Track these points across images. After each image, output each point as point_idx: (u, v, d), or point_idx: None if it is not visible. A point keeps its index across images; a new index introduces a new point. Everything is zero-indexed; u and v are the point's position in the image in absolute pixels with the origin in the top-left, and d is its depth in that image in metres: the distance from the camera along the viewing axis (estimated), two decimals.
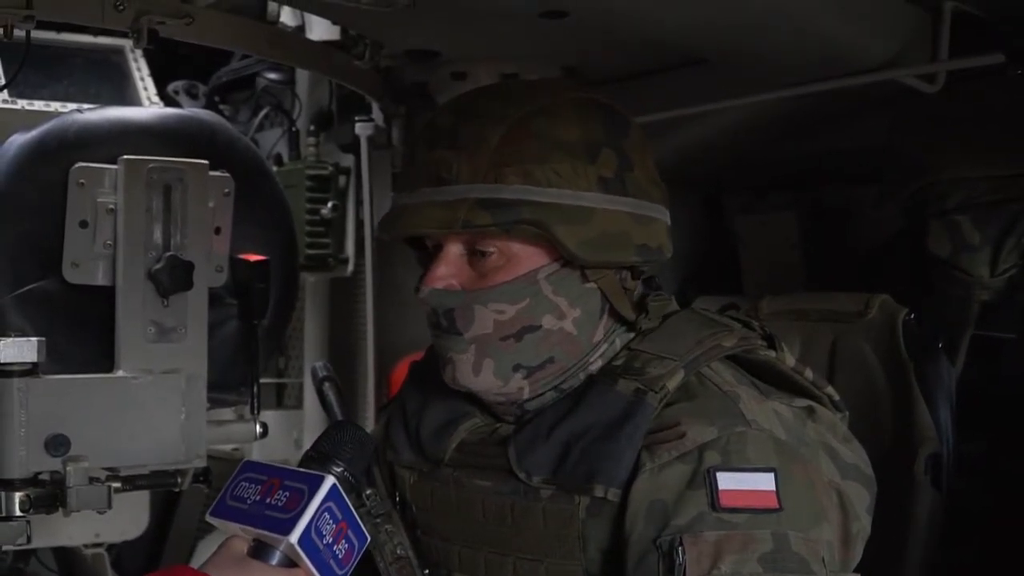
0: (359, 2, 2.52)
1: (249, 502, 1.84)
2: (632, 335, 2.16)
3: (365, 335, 4.36)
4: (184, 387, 2.30)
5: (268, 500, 1.83)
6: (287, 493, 1.82)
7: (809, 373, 2.22)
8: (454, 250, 2.09)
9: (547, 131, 2.03)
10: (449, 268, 2.09)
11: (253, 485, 1.86)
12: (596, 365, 2.13)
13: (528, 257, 2.06)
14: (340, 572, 1.83)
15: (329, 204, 4.33)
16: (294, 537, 1.77)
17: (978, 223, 2.95)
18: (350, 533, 1.85)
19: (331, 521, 1.81)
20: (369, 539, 1.90)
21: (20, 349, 2.13)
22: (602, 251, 2.04)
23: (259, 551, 1.82)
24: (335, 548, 1.82)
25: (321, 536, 1.80)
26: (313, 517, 1.79)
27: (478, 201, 2.00)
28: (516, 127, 2.02)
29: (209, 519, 1.89)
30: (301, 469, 1.89)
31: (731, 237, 4.19)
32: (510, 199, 1.99)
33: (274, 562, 1.81)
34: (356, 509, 1.87)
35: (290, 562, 1.81)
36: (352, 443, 1.97)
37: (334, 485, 1.82)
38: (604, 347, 2.14)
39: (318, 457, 1.94)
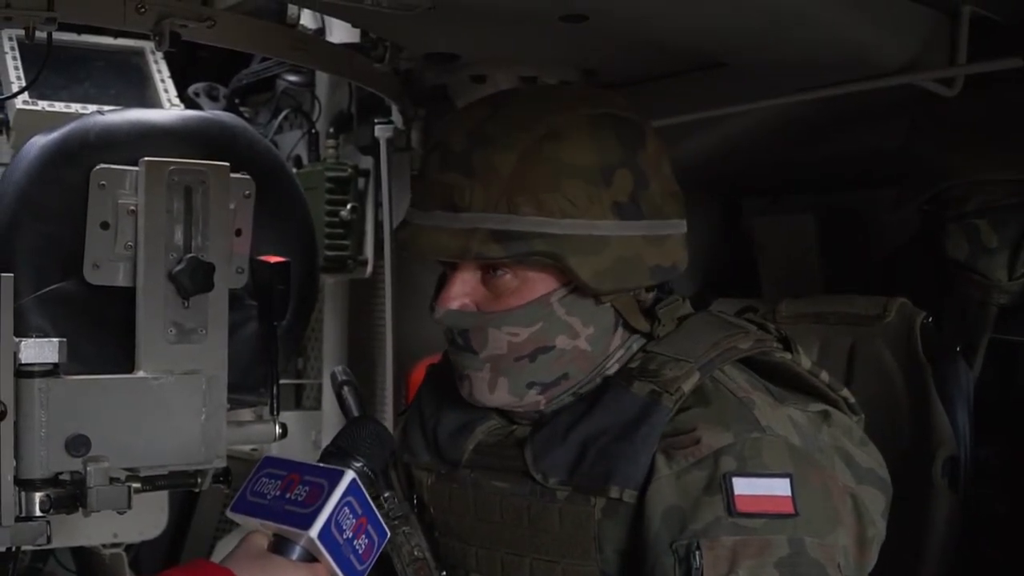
0: (379, 5, 2.53)
1: (269, 497, 1.85)
2: (648, 338, 2.17)
3: (384, 337, 4.37)
4: (204, 388, 2.30)
5: (288, 495, 1.84)
6: (307, 488, 1.83)
7: (825, 376, 2.23)
8: (467, 272, 2.10)
9: (560, 156, 2.02)
10: (463, 288, 2.10)
11: (273, 480, 1.87)
12: (613, 368, 2.14)
13: (541, 281, 2.07)
14: (360, 567, 1.84)
15: (348, 206, 4.35)
16: (314, 531, 1.78)
17: (996, 226, 2.95)
18: (370, 528, 1.85)
19: (351, 516, 1.82)
20: (389, 534, 1.91)
21: (41, 350, 2.14)
22: (616, 279, 2.05)
23: (279, 546, 1.83)
24: (355, 543, 1.83)
25: (341, 531, 1.81)
26: (333, 511, 1.80)
27: (491, 233, 2.00)
28: (528, 154, 2.01)
29: (229, 515, 1.91)
30: (321, 464, 1.90)
31: (749, 240, 4.19)
32: (523, 231, 2.00)
33: (295, 557, 1.82)
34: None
35: (310, 557, 1.82)
36: (371, 438, 1.98)
37: (354, 480, 1.83)
38: (620, 352, 2.15)
39: (337, 452, 1.95)
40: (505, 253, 2.00)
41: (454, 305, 2.10)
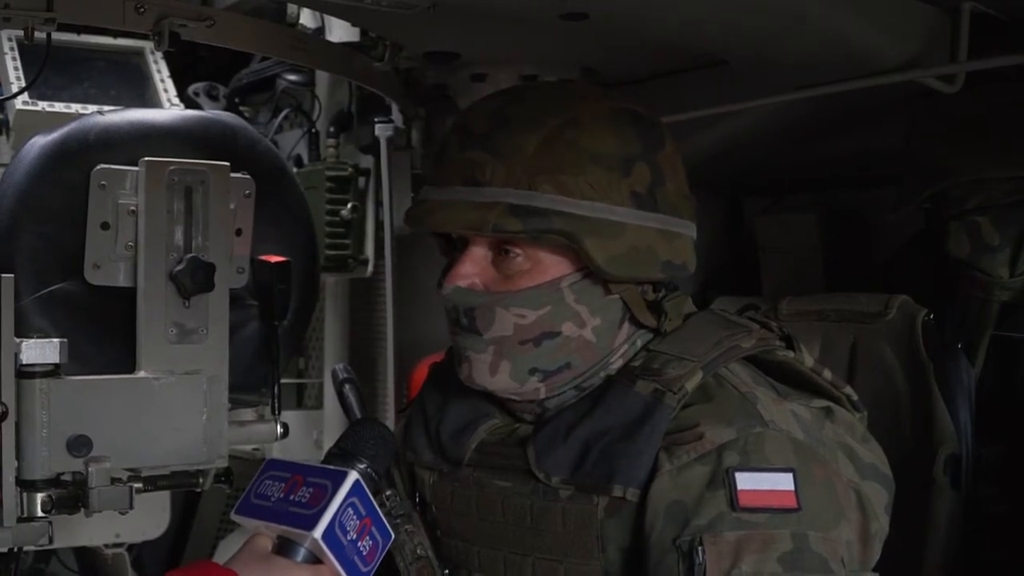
0: (379, 4, 2.53)
1: (273, 499, 1.85)
2: (652, 335, 2.16)
3: (385, 336, 4.37)
4: (206, 388, 2.30)
5: (292, 496, 1.84)
6: (311, 489, 1.83)
7: (828, 373, 2.22)
8: (480, 249, 2.10)
9: (583, 142, 2.03)
10: (473, 267, 2.10)
11: (277, 482, 1.87)
12: (616, 365, 2.14)
13: (553, 264, 2.07)
14: (365, 569, 1.84)
15: (349, 205, 4.34)
16: (318, 532, 1.78)
17: (997, 224, 2.95)
18: (374, 530, 1.85)
19: (355, 517, 1.82)
20: (394, 536, 1.90)
21: (42, 350, 2.13)
22: (629, 267, 2.05)
23: (284, 548, 1.83)
24: (359, 544, 1.82)
25: (345, 532, 1.80)
26: (337, 512, 1.80)
27: (510, 207, 2.00)
28: (552, 136, 2.02)
29: (234, 517, 1.91)
30: (324, 465, 1.90)
31: (751, 239, 4.19)
32: (542, 207, 2.00)
33: (299, 559, 1.82)
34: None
35: (315, 559, 1.82)
36: (375, 440, 1.98)
37: (357, 480, 1.83)
38: (624, 347, 2.15)
39: (341, 454, 1.95)
40: (523, 227, 2.00)
41: (463, 283, 2.10)
